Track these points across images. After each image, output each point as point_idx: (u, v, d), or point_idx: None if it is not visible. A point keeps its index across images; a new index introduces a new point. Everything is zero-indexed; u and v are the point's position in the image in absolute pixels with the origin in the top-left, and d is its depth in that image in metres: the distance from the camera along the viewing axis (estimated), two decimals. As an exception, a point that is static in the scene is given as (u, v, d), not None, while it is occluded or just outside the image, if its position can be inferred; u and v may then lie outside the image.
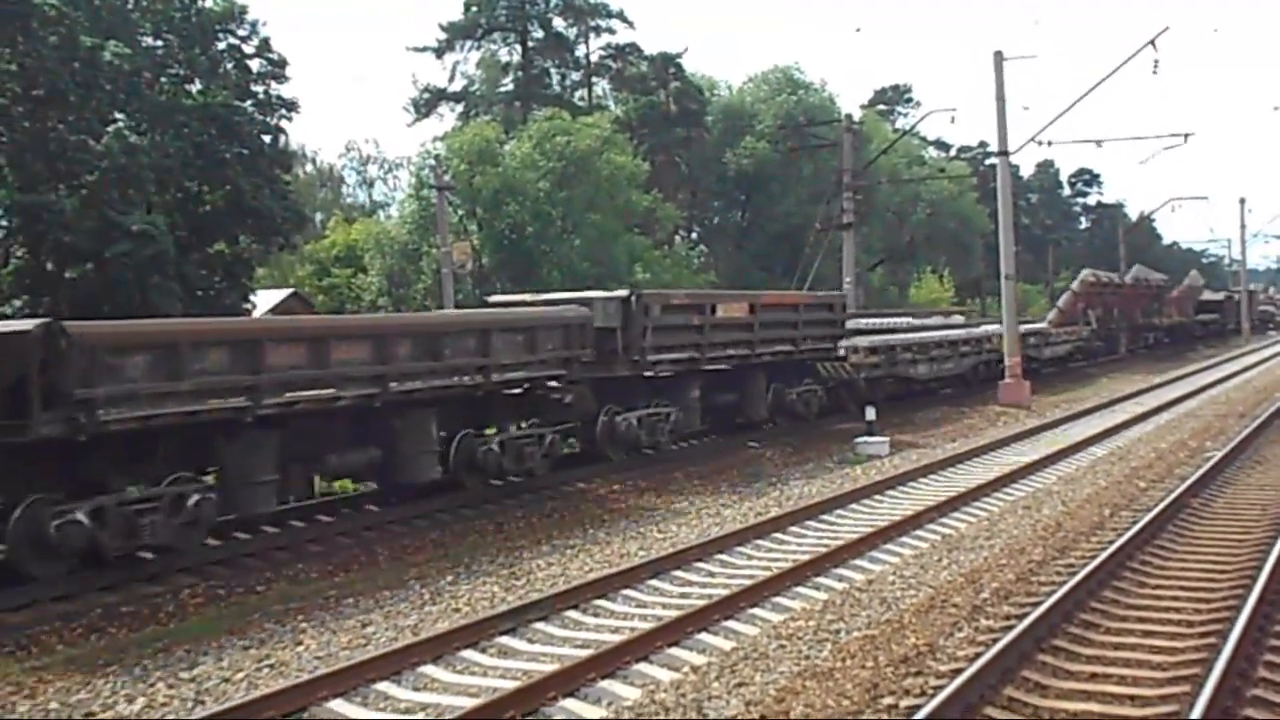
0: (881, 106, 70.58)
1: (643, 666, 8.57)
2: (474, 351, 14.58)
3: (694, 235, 55.73)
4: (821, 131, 44.42)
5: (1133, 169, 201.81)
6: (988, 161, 59.04)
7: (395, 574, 11.77)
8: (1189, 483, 14.75)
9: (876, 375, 24.56)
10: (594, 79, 54.59)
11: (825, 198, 38.43)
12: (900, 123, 66.11)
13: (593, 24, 52.70)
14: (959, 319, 36.10)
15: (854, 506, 14.89)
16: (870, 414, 20.83)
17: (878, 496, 15.54)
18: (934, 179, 53.80)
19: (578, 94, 53.45)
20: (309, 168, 67.74)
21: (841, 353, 23.67)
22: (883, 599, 10.16)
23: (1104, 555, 10.71)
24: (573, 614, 10.06)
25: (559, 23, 52.75)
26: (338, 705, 7.99)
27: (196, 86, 29.56)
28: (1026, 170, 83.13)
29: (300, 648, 9.30)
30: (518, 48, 52.73)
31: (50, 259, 26.28)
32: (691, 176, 51.75)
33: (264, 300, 35.41)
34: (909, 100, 75.39)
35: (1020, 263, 41.19)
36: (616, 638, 9.16)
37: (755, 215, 52.36)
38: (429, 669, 8.66)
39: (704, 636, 9.26)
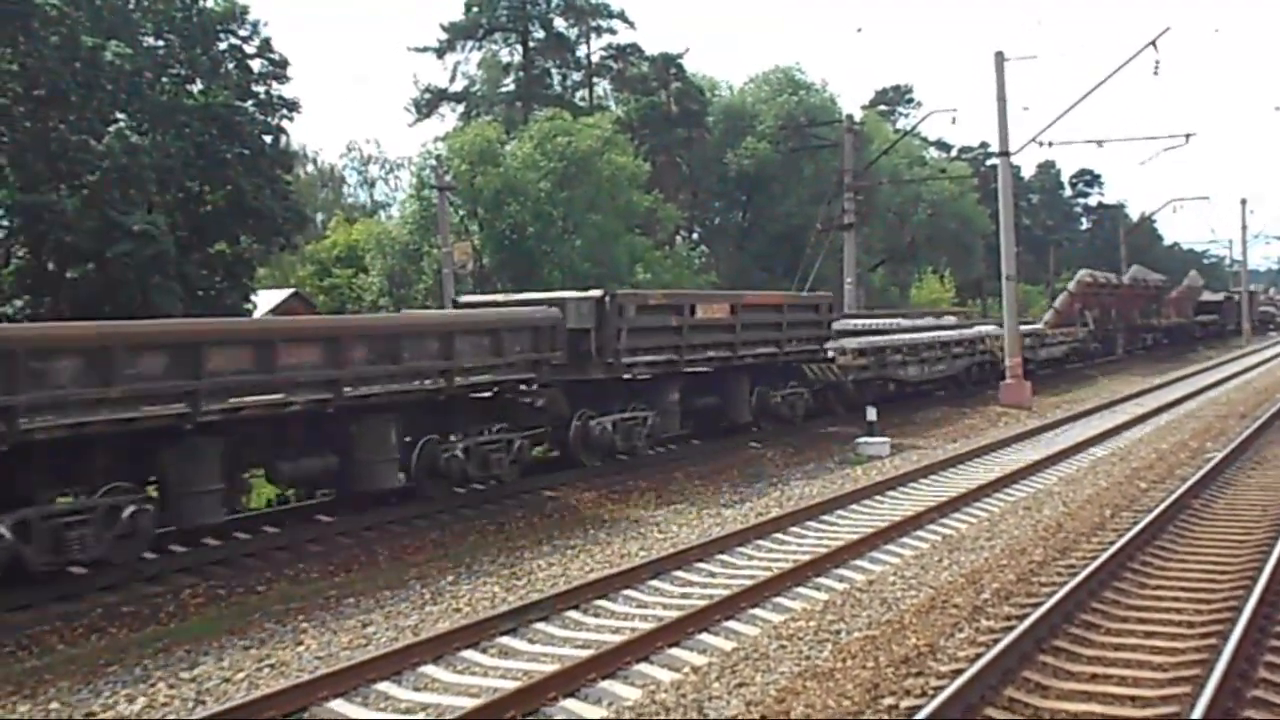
0: (882, 107, 70.56)
1: (643, 667, 8.58)
2: (436, 354, 14.02)
3: (695, 236, 55.69)
4: (822, 132, 44.47)
5: (1134, 170, 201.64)
6: (989, 162, 58.95)
7: (396, 574, 11.77)
8: (1190, 483, 14.75)
9: (865, 377, 24.11)
10: (595, 79, 54.53)
11: (826, 198, 38.48)
12: (901, 123, 66.09)
13: (594, 24, 52.70)
14: (951, 319, 35.64)
15: (855, 507, 14.89)
16: (871, 414, 20.79)
17: (878, 497, 15.53)
18: (935, 179, 53.71)
19: (579, 94, 53.41)
20: (310, 168, 67.89)
21: (829, 354, 23.16)
22: (883, 599, 10.16)
23: (1105, 556, 10.71)
24: (573, 614, 10.06)
25: (560, 23, 52.77)
26: (338, 705, 8.00)
27: (198, 86, 29.53)
28: (1028, 171, 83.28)
29: (301, 648, 9.31)
30: (519, 48, 52.71)
31: (51, 259, 26.29)
32: (692, 177, 51.71)
33: (265, 300, 35.37)
34: (910, 101, 75.52)
35: (1021, 263, 41.17)
36: (617, 638, 9.17)
37: (756, 216, 52.32)
38: (429, 669, 8.66)
39: (705, 637, 9.27)
